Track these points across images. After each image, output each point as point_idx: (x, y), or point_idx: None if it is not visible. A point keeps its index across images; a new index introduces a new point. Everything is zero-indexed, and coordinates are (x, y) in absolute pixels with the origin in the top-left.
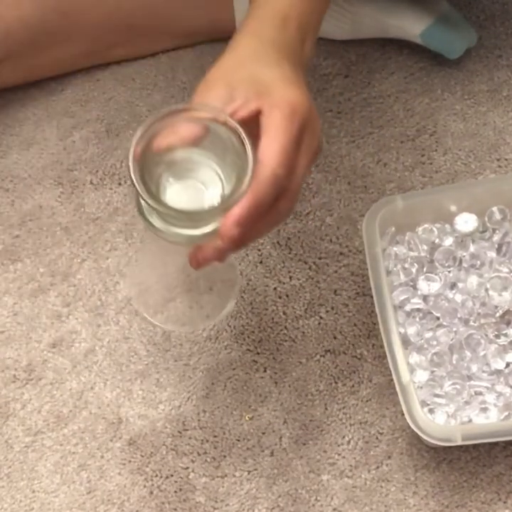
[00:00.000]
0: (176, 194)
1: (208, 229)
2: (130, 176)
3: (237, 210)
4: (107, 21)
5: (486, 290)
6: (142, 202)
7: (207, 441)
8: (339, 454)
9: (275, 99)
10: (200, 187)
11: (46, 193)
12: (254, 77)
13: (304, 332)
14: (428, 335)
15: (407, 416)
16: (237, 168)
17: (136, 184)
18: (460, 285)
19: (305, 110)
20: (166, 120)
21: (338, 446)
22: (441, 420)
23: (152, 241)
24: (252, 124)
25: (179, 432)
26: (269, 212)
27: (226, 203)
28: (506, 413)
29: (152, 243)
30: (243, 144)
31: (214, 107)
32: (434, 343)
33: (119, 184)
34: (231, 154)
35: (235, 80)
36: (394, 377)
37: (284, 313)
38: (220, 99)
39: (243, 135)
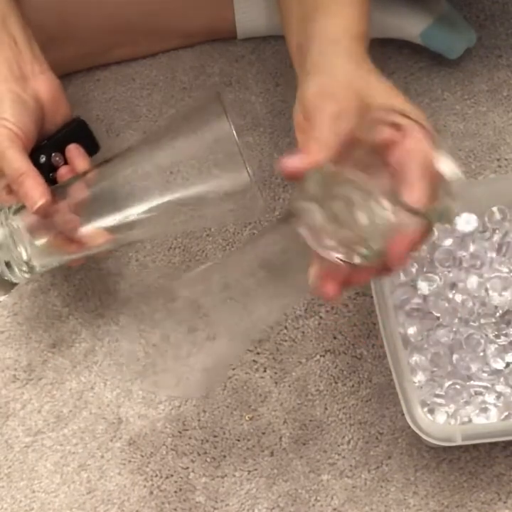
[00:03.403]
0: None
1: None
2: None
3: None
4: (107, 23)
5: (486, 290)
6: None
7: (207, 441)
8: (339, 454)
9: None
10: None
11: None
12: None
13: (303, 332)
14: (428, 335)
15: (407, 416)
16: None
17: None
18: (460, 285)
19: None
20: None
21: (338, 446)
22: (441, 420)
23: None
24: None
25: (179, 432)
26: None
27: None
28: (506, 413)
29: None
30: None
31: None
32: (434, 343)
33: None
34: None
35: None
36: (394, 377)
37: (284, 313)
38: None
39: None
